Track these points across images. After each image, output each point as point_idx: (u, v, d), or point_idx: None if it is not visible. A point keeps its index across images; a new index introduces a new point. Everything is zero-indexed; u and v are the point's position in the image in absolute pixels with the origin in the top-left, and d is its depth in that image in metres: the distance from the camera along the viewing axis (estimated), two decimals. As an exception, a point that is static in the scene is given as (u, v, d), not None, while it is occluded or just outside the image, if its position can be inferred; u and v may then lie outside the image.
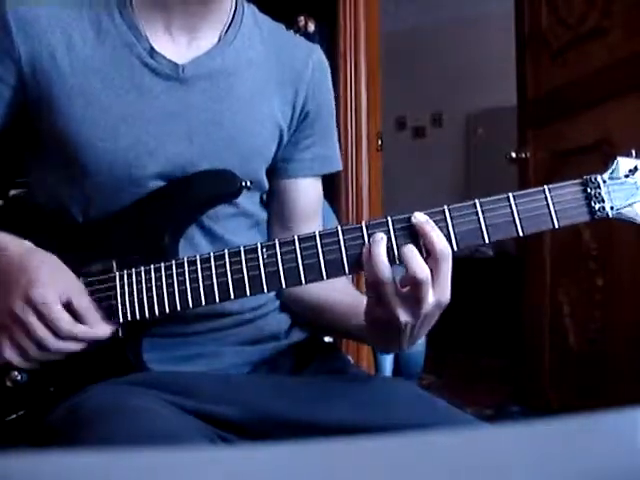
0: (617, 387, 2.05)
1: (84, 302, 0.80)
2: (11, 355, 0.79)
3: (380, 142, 2.45)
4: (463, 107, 4.89)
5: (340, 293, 0.94)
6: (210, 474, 0.26)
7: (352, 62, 2.40)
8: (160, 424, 0.70)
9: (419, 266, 0.73)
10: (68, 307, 0.79)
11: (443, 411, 0.84)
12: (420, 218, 0.76)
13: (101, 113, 0.86)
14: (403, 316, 0.75)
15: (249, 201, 0.95)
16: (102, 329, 0.81)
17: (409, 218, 0.76)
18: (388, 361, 1.17)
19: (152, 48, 0.89)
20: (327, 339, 1.10)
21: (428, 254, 0.74)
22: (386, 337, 0.81)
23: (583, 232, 2.19)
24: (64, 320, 0.78)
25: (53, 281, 0.78)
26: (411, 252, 0.74)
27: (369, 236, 0.77)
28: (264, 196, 1.00)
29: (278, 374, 0.94)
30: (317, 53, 1.01)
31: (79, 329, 0.79)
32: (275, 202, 1.01)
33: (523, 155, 2.56)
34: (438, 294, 0.74)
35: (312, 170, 1.00)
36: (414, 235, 0.76)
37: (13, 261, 0.80)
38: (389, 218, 0.77)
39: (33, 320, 0.77)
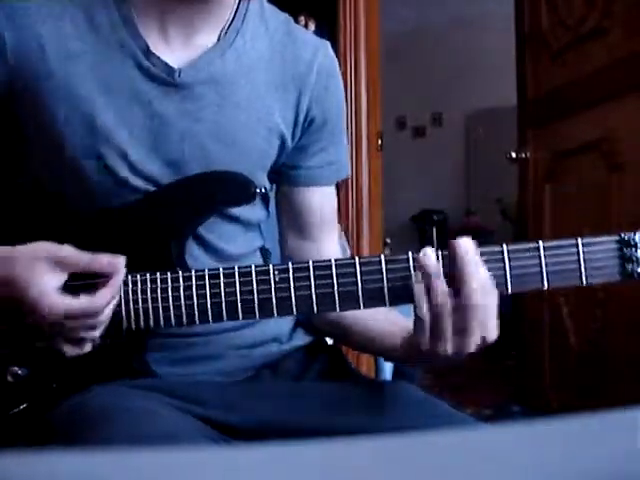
0: (617, 387, 2.05)
1: (82, 262, 0.75)
2: (71, 350, 0.78)
3: (380, 142, 2.45)
4: (463, 107, 4.89)
5: (374, 315, 0.90)
6: (210, 474, 0.26)
7: (352, 62, 2.39)
8: (163, 426, 0.70)
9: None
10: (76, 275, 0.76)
11: (445, 414, 0.83)
12: (464, 246, 0.71)
13: (89, 114, 0.82)
14: (450, 347, 0.72)
15: (246, 208, 0.90)
16: (118, 269, 0.76)
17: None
18: (388, 363, 1.16)
19: (148, 48, 0.83)
20: (329, 342, 1.09)
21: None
22: (429, 360, 0.79)
23: (583, 232, 2.19)
24: (85, 304, 0.74)
25: (46, 284, 0.74)
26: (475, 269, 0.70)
27: (387, 271, 0.74)
28: (262, 203, 0.97)
29: (281, 377, 0.93)
30: (325, 52, 0.94)
31: (106, 292, 0.75)
32: (288, 212, 0.97)
33: (523, 155, 2.55)
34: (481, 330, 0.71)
35: (322, 178, 0.95)
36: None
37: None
38: (410, 254, 0.74)
39: (65, 323, 0.75)
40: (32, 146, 0.87)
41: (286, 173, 0.94)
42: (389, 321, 0.88)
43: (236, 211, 0.89)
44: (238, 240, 0.91)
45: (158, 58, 0.84)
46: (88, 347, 0.79)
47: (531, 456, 0.27)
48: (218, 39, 0.87)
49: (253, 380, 0.91)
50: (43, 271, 0.74)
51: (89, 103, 0.82)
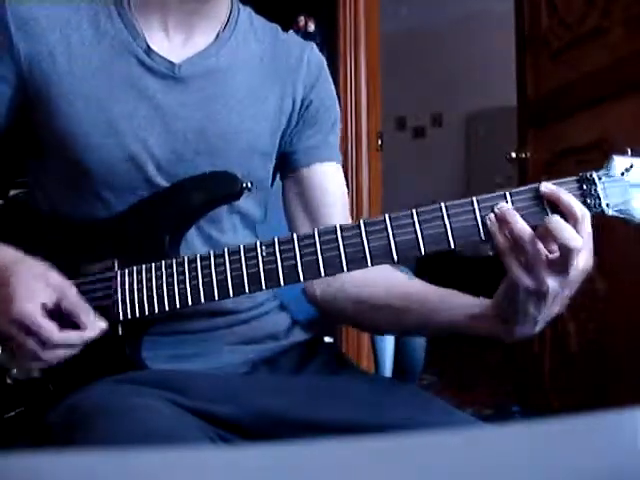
0: (617, 387, 2.05)
1: (72, 301, 0.79)
2: (25, 361, 0.80)
3: (380, 142, 2.45)
4: (463, 107, 4.89)
5: (422, 289, 0.89)
6: (209, 474, 0.26)
7: (352, 62, 2.40)
8: (161, 423, 0.70)
9: (572, 234, 0.69)
10: (59, 309, 0.79)
11: (442, 411, 0.84)
12: (550, 186, 0.73)
13: (99, 112, 0.86)
14: (551, 281, 0.71)
15: (249, 201, 0.95)
16: (94, 328, 0.80)
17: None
18: (388, 361, 1.17)
19: (149, 47, 0.89)
20: (327, 339, 1.10)
21: (566, 220, 0.72)
22: (525, 312, 0.74)
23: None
24: (49, 331, 0.77)
25: (32, 292, 0.77)
26: (559, 222, 0.70)
27: (367, 233, 0.76)
28: (264, 196, 1.00)
29: (278, 373, 0.94)
30: (312, 50, 1.01)
31: (68, 335, 0.78)
32: (295, 196, 0.99)
33: (523, 155, 2.55)
34: (583, 259, 0.71)
35: (320, 155, 0.98)
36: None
37: None
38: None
39: (20, 335, 0.77)
40: (45, 151, 0.91)
41: (286, 159, 0.98)
42: (431, 289, 0.88)
43: (241, 205, 0.93)
44: (238, 234, 0.95)
45: (159, 55, 0.90)
46: (37, 368, 0.81)
47: (531, 456, 0.27)
48: (215, 39, 0.93)
49: (249, 374, 0.92)
50: (38, 285, 0.78)
51: (98, 103, 0.86)
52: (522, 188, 0.75)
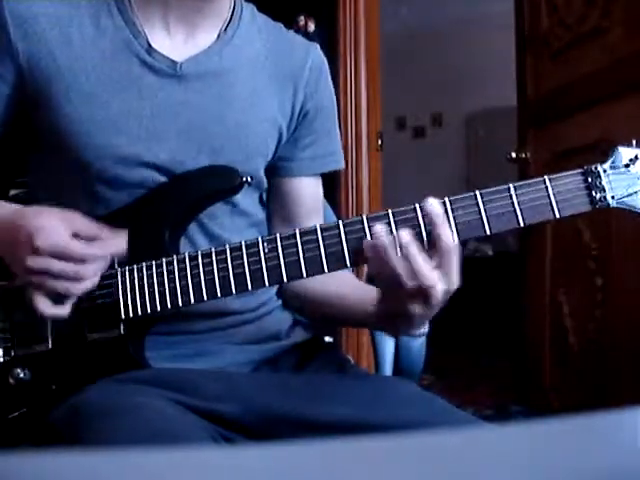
0: (617, 387, 2.05)
1: (86, 224, 0.81)
2: (48, 308, 0.80)
3: (380, 142, 2.45)
4: (463, 107, 4.88)
5: (346, 285, 0.95)
6: (213, 474, 0.26)
7: (352, 62, 2.39)
8: (164, 423, 0.70)
9: (427, 274, 0.72)
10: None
11: (442, 409, 0.84)
12: (435, 209, 0.75)
13: (100, 110, 0.86)
14: (413, 307, 0.75)
15: (248, 200, 0.95)
16: (118, 242, 0.82)
17: (410, 210, 0.77)
18: (388, 361, 1.16)
19: (150, 45, 0.89)
20: (327, 339, 1.10)
21: (433, 245, 0.74)
22: (397, 324, 0.82)
23: (583, 232, 2.19)
24: (79, 247, 0.79)
25: (51, 225, 0.79)
26: (415, 257, 0.73)
27: (370, 228, 0.77)
28: (264, 195, 1.00)
29: (279, 373, 0.94)
30: (315, 51, 1.00)
31: (96, 245, 0.80)
32: (276, 201, 1.00)
33: (523, 155, 2.55)
34: (447, 284, 0.74)
35: (313, 169, 1.00)
36: (415, 227, 0.76)
37: (5, 225, 0.82)
38: (390, 211, 0.77)
39: (52, 264, 0.78)
40: (44, 148, 0.91)
41: (278, 165, 0.98)
42: (359, 289, 0.94)
43: (241, 204, 0.93)
44: (243, 234, 0.94)
45: (160, 54, 0.89)
46: (67, 308, 0.81)
47: (531, 456, 0.27)
48: (217, 38, 0.93)
49: (252, 373, 0.92)
50: (51, 217, 0.80)
51: (99, 101, 0.86)
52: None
